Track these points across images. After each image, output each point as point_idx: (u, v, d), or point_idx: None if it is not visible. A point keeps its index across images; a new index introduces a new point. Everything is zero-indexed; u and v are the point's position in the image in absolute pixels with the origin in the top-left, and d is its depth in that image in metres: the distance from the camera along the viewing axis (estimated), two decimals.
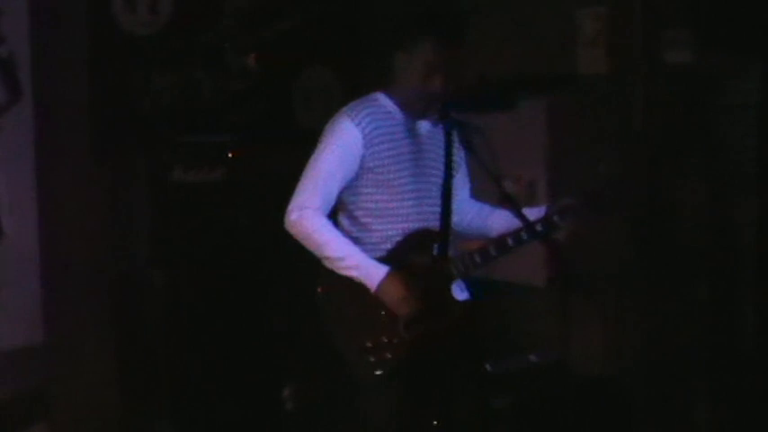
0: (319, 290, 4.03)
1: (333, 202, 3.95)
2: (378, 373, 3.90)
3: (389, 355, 3.89)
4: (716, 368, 5.37)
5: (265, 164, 5.71)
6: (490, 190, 4.08)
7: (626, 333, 5.58)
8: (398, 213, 3.96)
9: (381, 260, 3.92)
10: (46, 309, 5.46)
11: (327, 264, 3.93)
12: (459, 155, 4.04)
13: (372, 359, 3.90)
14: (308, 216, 3.88)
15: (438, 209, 3.90)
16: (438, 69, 3.88)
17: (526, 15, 5.96)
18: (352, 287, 3.89)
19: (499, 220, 4.10)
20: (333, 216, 4.02)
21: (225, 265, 5.58)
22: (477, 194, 4.31)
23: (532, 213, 3.92)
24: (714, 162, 5.38)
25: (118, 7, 5.64)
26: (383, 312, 3.89)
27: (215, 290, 5.53)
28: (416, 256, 3.95)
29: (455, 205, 4.02)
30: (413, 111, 3.99)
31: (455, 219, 4.07)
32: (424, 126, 4.02)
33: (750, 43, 5.22)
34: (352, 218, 4.02)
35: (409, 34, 3.94)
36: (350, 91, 6.32)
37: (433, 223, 3.92)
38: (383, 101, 4.01)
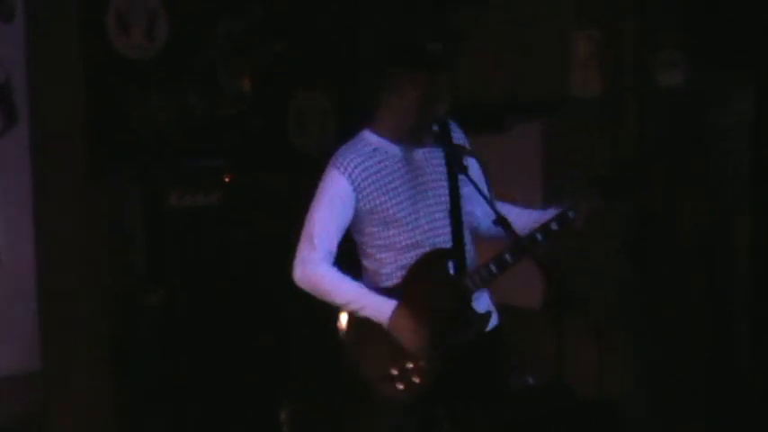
0: (340, 325, 4.03)
1: (334, 250, 3.97)
2: (408, 399, 3.91)
3: (417, 380, 3.90)
4: (713, 387, 5.37)
5: (260, 187, 5.72)
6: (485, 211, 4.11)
7: (620, 354, 5.58)
8: (409, 243, 3.96)
9: (396, 288, 3.94)
10: (42, 334, 5.45)
11: (341, 308, 3.97)
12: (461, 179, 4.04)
13: (401, 386, 3.91)
14: (310, 269, 3.94)
15: (449, 227, 3.96)
16: (432, 100, 3.90)
17: (520, 37, 5.98)
18: (369, 321, 3.91)
19: (529, 219, 4.09)
20: (355, 255, 4.08)
21: (221, 287, 5.58)
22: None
23: (543, 216, 3.99)
24: (709, 182, 5.40)
25: (112, 32, 5.65)
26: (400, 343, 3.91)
27: (211, 313, 5.52)
28: (431, 277, 3.95)
29: (479, 209, 4.07)
30: (405, 141, 3.99)
31: (485, 223, 4.10)
32: (417, 152, 4.02)
33: (743, 63, 5.24)
34: (367, 255, 4.05)
35: (400, 72, 3.94)
36: (344, 114, 6.41)
37: (446, 243, 3.96)
38: (369, 138, 4.01)
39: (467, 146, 4.05)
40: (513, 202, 4.22)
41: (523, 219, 4.07)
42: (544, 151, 5.66)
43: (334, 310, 4.00)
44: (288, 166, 6.13)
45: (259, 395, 5.63)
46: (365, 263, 4.08)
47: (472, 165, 3.95)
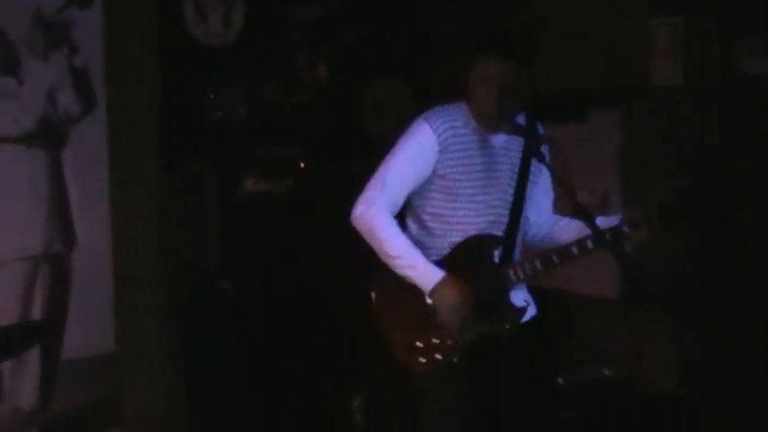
0: (372, 293, 4.06)
1: (400, 203, 3.99)
2: (426, 373, 3.92)
3: (439, 357, 3.90)
4: None
5: (335, 176, 5.72)
6: (562, 201, 4.07)
7: (694, 348, 5.50)
8: (464, 221, 3.96)
9: (441, 263, 3.93)
10: (116, 318, 5.50)
11: (386, 261, 3.95)
12: (537, 167, 4.05)
13: (422, 359, 3.91)
14: (373, 211, 3.93)
15: (505, 218, 3.98)
16: (494, 85, 3.88)
17: (599, 25, 5.91)
18: (405, 289, 3.91)
19: (570, 233, 4.05)
20: (401, 217, 4.06)
21: (293, 276, 5.58)
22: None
23: (603, 223, 3.88)
24: None
25: (190, 19, 5.68)
26: (435, 316, 3.90)
27: (281, 300, 5.53)
28: (475, 260, 3.95)
29: (534, 217, 4.10)
30: (485, 125, 3.98)
31: (532, 231, 4.15)
32: (499, 139, 4.01)
33: None
34: (419, 221, 4.05)
35: (476, 53, 3.95)
36: (420, 102, 6.37)
37: (499, 231, 3.99)
38: (464, 111, 4.01)
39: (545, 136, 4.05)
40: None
41: (573, 227, 4.05)
42: (623, 141, 5.58)
43: None
44: (364, 154, 6.10)
45: (331, 384, 5.63)
46: (414, 229, 4.07)
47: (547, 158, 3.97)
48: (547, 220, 4.21)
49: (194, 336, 5.62)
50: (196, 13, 5.72)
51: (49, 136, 5.31)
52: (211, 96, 5.77)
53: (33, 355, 5.28)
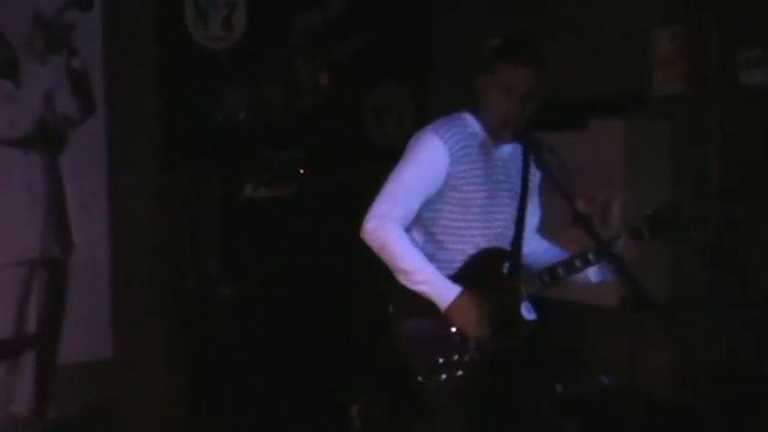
0: (390, 307, 3.99)
1: (412, 216, 3.95)
2: (448, 389, 3.88)
3: (460, 373, 3.87)
4: None
5: (336, 180, 5.71)
6: (563, 209, 4.05)
7: (696, 356, 5.49)
8: (473, 233, 3.94)
9: (453, 277, 3.90)
10: (114, 322, 5.48)
11: (400, 276, 3.90)
12: (534, 180, 4.07)
13: (444, 376, 3.88)
14: (385, 226, 3.88)
15: (509, 231, 3.98)
16: (511, 91, 3.86)
17: (601, 34, 5.91)
18: (424, 304, 3.86)
19: (550, 257, 4.08)
20: (407, 231, 4.01)
21: (294, 281, 5.57)
22: (550, 213, 4.26)
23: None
24: None
25: (191, 22, 5.66)
26: (454, 330, 3.87)
27: (282, 305, 5.52)
28: (487, 274, 3.94)
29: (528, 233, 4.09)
30: (494, 132, 3.98)
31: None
32: (504, 149, 4.02)
33: None
34: (428, 234, 4.00)
35: (491, 58, 3.93)
36: (422, 107, 6.37)
37: (504, 244, 3.97)
38: (469, 120, 4.00)
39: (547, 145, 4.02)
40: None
41: (549, 252, 4.10)
42: (624, 149, 5.57)
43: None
44: (365, 159, 6.11)
45: (331, 389, 5.62)
46: (422, 243, 4.01)
47: (551, 165, 3.95)
48: (532, 239, 4.21)
49: (194, 341, 5.60)
50: (197, 17, 5.70)
51: (46, 139, 5.30)
52: (212, 100, 5.75)
53: (29, 360, 5.26)
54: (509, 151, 4.02)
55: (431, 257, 3.94)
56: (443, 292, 3.84)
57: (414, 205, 3.92)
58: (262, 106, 5.91)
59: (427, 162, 3.89)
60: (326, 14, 6.11)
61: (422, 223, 4.01)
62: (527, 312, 4.02)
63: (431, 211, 3.97)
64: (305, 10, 6.05)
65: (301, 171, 5.64)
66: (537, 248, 4.21)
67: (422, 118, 6.24)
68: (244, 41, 5.84)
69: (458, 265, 3.95)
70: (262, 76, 5.92)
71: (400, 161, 3.96)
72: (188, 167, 5.63)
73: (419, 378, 3.92)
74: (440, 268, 3.91)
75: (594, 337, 5.66)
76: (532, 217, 4.16)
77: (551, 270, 3.93)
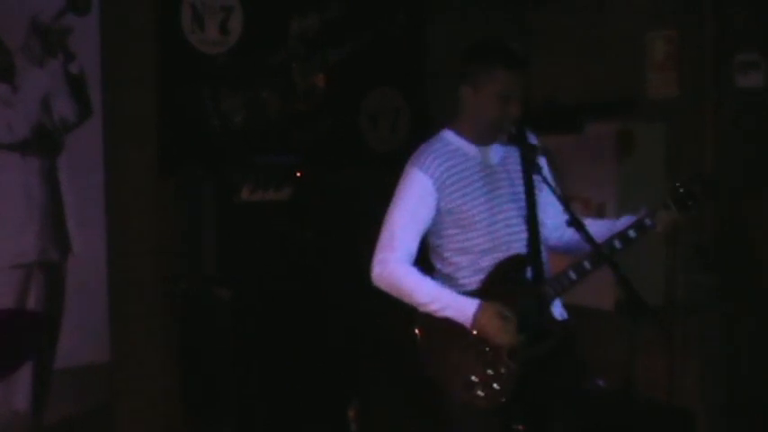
0: (417, 331, 3.97)
1: (414, 250, 3.94)
2: (488, 406, 3.85)
3: (498, 387, 3.84)
4: None
5: (332, 184, 5.71)
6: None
7: (691, 360, 5.51)
8: (485, 247, 3.91)
9: (476, 293, 3.89)
10: (111, 325, 5.49)
11: (421, 309, 3.91)
12: (539, 175, 3.99)
13: (481, 393, 3.84)
14: (390, 268, 3.90)
15: (523, 233, 3.92)
16: (509, 96, 3.86)
17: (596, 37, 5.93)
18: (451, 324, 3.86)
19: (602, 228, 4.02)
20: (426, 258, 4.02)
21: (289, 284, 5.57)
22: None
23: (622, 224, 3.94)
24: None
25: (187, 26, 5.68)
26: (486, 347, 3.85)
27: (279, 308, 5.52)
28: (510, 283, 3.90)
29: (549, 221, 4.03)
30: (482, 141, 3.96)
31: (553, 236, 4.08)
32: (496, 154, 3.99)
33: None
34: (442, 258, 4.00)
35: (477, 68, 3.91)
36: (417, 111, 6.38)
37: (522, 248, 3.92)
38: (450, 138, 3.99)
39: (540, 146, 4.00)
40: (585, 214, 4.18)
41: (595, 228, 3.98)
42: (619, 152, 5.59)
43: (401, 310, 3.95)
44: (360, 162, 6.12)
45: (327, 392, 5.62)
46: (440, 267, 4.02)
47: (544, 167, 3.95)
48: (563, 222, 4.17)
49: (191, 344, 5.61)
50: (193, 20, 5.71)
51: (44, 143, 5.30)
52: (208, 104, 5.76)
53: (27, 363, 5.27)
54: (501, 156, 3.99)
55: (452, 279, 3.95)
56: (464, 309, 3.83)
57: (413, 242, 3.93)
58: (258, 110, 5.91)
59: (414, 198, 3.90)
60: (323, 18, 6.11)
61: (434, 249, 4.02)
62: (558, 313, 3.99)
63: (438, 237, 3.97)
64: (301, 14, 6.05)
65: (297, 174, 5.63)
66: (573, 235, 4.05)
67: (417, 121, 6.28)
68: (240, 45, 5.84)
69: (478, 279, 3.92)
70: (258, 79, 5.92)
71: (392, 200, 3.97)
72: (184, 171, 5.63)
73: (456, 397, 3.89)
74: (461, 288, 3.91)
75: (590, 340, 5.67)
76: (553, 210, 4.04)
77: (576, 265, 3.88)
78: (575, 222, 3.77)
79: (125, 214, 5.51)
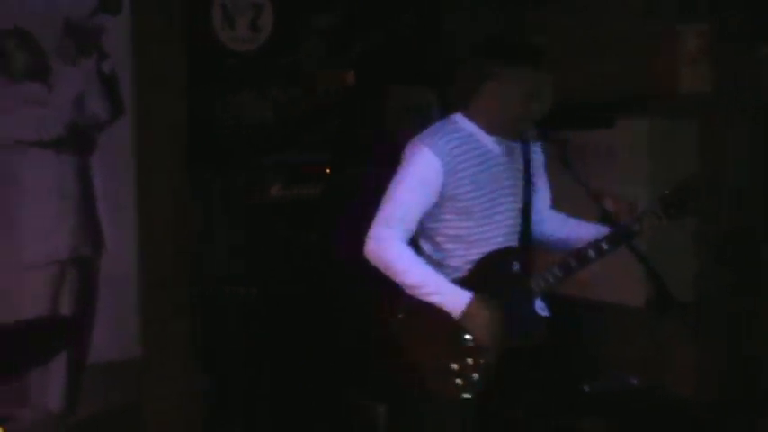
0: (400, 316, 3.96)
1: (412, 230, 3.90)
2: (466, 395, 3.85)
3: (476, 376, 3.84)
4: None
5: (356, 181, 5.71)
6: (588, 208, 4.05)
7: (721, 356, 5.48)
8: (480, 238, 3.90)
9: (463, 282, 3.87)
10: (142, 322, 5.53)
11: (408, 291, 3.87)
12: (537, 172, 4.05)
13: (459, 381, 3.84)
14: (385, 245, 3.84)
15: (518, 227, 3.94)
16: (533, 95, 3.87)
17: (628, 32, 5.90)
18: (434, 312, 3.83)
19: (586, 232, 4.01)
20: (414, 240, 3.97)
21: (317, 282, 5.58)
22: (571, 212, 4.22)
23: (600, 228, 3.92)
24: None
25: (218, 23, 5.71)
26: (467, 336, 3.85)
27: (307, 306, 5.53)
28: (497, 275, 3.90)
29: (535, 216, 4.03)
30: (500, 134, 3.95)
31: (539, 230, 4.07)
32: (500, 148, 3.97)
33: None
34: (434, 243, 3.96)
35: (504, 64, 3.89)
36: (444, 109, 6.37)
37: (514, 242, 3.93)
38: (462, 123, 3.95)
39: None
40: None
41: (581, 230, 4.02)
42: (652, 148, 5.56)
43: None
44: (386, 161, 6.11)
45: (353, 390, 5.63)
46: (429, 251, 3.98)
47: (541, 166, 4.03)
48: (550, 216, 4.16)
49: (217, 341, 5.63)
50: (223, 18, 5.74)
51: (77, 142, 5.35)
52: (237, 102, 5.79)
53: (60, 358, 5.32)
54: (505, 149, 3.96)
55: (439, 265, 3.92)
56: (453, 299, 3.81)
57: (412, 220, 3.87)
58: (286, 107, 5.93)
59: (420, 177, 3.83)
60: (346, 14, 6.12)
61: (426, 233, 3.96)
62: (540, 310, 4.00)
63: (434, 221, 3.92)
64: (324, 11, 6.06)
65: (327, 171, 5.65)
66: (557, 230, 4.12)
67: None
68: (269, 43, 5.86)
69: (466, 269, 3.91)
70: (286, 77, 5.94)
71: (395, 176, 3.91)
72: (213, 169, 5.66)
73: (432, 384, 3.88)
74: (449, 275, 3.89)
75: (617, 336, 5.66)
76: (542, 196, 4.10)
77: (562, 262, 3.88)
78: (607, 217, 3.82)
79: (155, 212, 5.53)
